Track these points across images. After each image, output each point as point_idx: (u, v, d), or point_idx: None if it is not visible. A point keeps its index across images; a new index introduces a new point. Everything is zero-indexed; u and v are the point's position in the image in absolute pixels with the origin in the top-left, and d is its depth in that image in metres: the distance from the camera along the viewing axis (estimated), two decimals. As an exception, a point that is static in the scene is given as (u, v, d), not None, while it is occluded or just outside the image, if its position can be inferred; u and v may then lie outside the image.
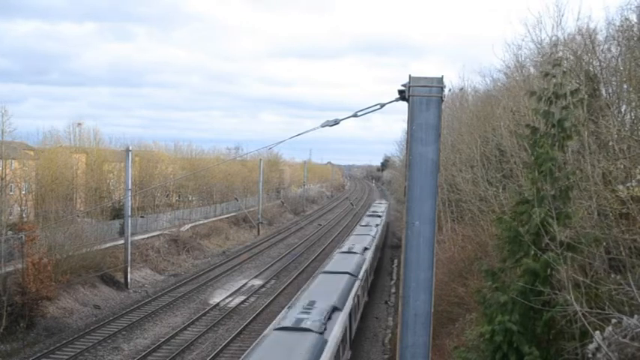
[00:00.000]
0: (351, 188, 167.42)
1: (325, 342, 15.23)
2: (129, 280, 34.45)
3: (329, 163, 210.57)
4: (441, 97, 6.42)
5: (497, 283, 11.76)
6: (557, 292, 10.11)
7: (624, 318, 8.15)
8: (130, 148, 36.68)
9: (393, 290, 35.16)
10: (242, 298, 33.16)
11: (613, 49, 16.16)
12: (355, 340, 22.27)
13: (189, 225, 50.83)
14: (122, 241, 35.71)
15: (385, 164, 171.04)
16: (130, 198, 37.10)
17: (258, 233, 60.12)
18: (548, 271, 10.72)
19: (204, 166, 62.28)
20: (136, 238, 40.31)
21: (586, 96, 13.65)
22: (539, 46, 20.28)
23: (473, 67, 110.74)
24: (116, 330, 26.10)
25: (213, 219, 58.18)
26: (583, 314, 8.37)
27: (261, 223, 62.08)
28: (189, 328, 27.08)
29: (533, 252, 10.91)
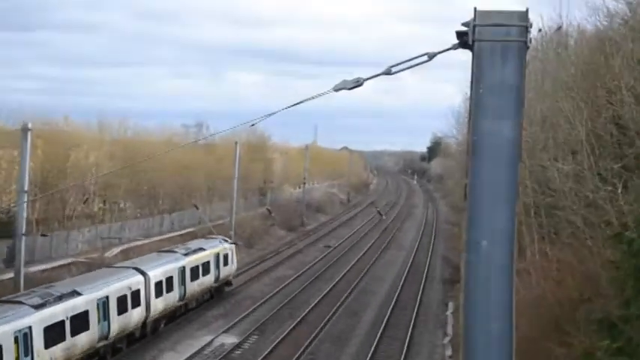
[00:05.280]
0: (379, 188, 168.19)
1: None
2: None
3: (344, 148, 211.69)
4: (525, 43, 6.56)
5: (618, 342, 12.55)
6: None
7: None
8: (30, 125, 37.12)
9: (449, 353, 35.06)
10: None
11: None
12: None
13: (120, 248, 52.37)
14: (10, 275, 36.73)
15: (433, 150, 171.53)
16: (25, 205, 37.37)
17: (231, 260, 60.30)
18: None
19: (147, 153, 62.31)
20: (34, 269, 41.57)
21: None
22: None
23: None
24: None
25: (159, 238, 60.17)
26: None
27: (236, 243, 61.88)
28: None
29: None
